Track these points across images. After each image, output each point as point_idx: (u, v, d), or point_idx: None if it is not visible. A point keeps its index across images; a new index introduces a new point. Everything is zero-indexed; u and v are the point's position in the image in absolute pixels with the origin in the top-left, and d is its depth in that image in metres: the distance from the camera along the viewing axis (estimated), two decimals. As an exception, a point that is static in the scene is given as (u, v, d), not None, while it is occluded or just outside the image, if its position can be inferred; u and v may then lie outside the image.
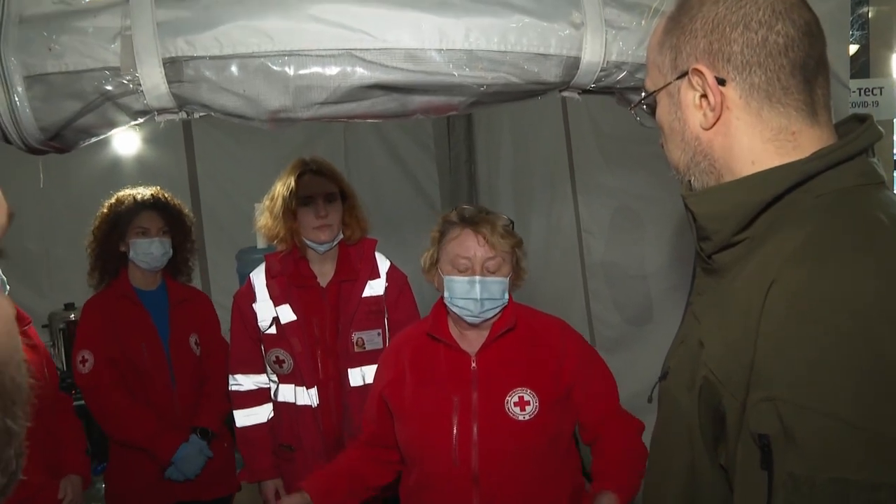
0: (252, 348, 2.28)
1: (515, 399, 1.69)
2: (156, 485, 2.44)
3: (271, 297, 2.23)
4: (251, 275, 2.30)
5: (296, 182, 2.19)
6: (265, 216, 2.25)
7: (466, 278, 1.70)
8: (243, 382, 2.31)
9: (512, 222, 1.79)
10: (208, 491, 2.52)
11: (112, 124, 1.27)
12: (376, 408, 1.86)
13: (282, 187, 2.21)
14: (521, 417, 1.68)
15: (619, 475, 1.69)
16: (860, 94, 2.84)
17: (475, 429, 1.68)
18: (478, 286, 1.70)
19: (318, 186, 2.21)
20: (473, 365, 1.74)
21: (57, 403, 2.28)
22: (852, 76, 2.73)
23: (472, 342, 1.78)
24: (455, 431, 1.69)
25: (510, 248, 1.74)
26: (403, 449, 1.81)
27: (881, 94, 2.81)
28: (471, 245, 1.71)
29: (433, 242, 1.81)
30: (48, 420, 2.17)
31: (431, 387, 1.76)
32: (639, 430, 1.79)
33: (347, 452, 1.94)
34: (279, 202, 2.19)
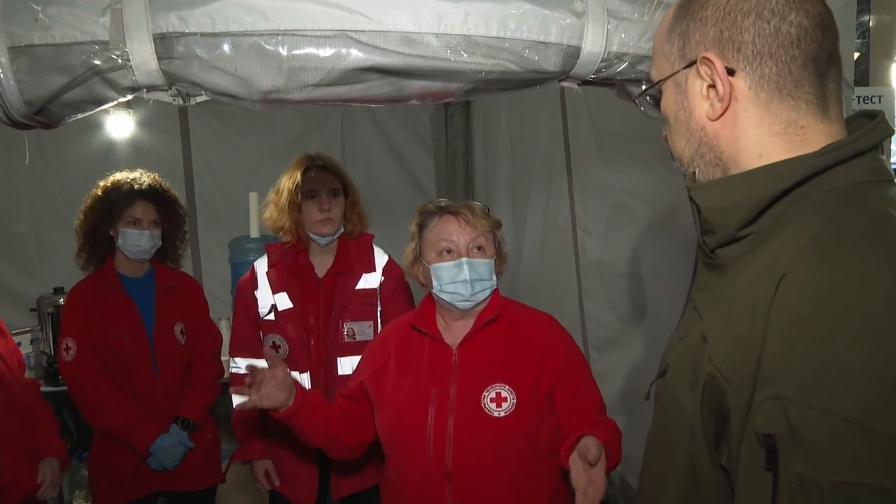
0: (252, 333, 2.35)
1: (492, 395, 1.66)
2: (136, 473, 2.42)
3: (270, 285, 2.30)
4: (255, 263, 2.38)
5: (302, 176, 2.26)
6: (270, 208, 2.32)
7: (453, 262, 1.69)
8: (242, 365, 2.35)
9: (488, 209, 1.78)
10: (189, 482, 2.49)
11: (100, 100, 1.24)
12: (353, 390, 1.85)
13: (288, 181, 2.28)
14: (496, 414, 1.65)
15: (598, 432, 1.57)
16: (859, 102, 2.84)
17: (450, 423, 1.65)
18: (465, 268, 1.68)
19: (323, 181, 2.28)
20: (455, 357, 1.72)
21: (26, 388, 2.26)
22: (852, 84, 2.72)
23: (456, 334, 1.76)
24: (430, 424, 1.66)
25: (490, 229, 1.74)
26: (381, 439, 1.79)
27: (880, 102, 2.81)
28: (453, 229, 1.70)
29: (413, 237, 1.79)
30: (21, 405, 2.15)
31: (412, 378, 1.74)
32: (616, 429, 1.71)
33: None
34: (284, 195, 2.26)
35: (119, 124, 4.31)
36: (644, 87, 1.03)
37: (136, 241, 2.42)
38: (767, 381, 0.73)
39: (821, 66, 0.86)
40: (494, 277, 1.74)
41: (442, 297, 1.73)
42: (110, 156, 4.26)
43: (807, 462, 0.69)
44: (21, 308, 3.78)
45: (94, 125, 4.30)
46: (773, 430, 0.72)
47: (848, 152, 0.83)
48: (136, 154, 4.23)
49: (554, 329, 1.79)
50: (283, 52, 1.20)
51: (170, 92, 1.25)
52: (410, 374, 1.75)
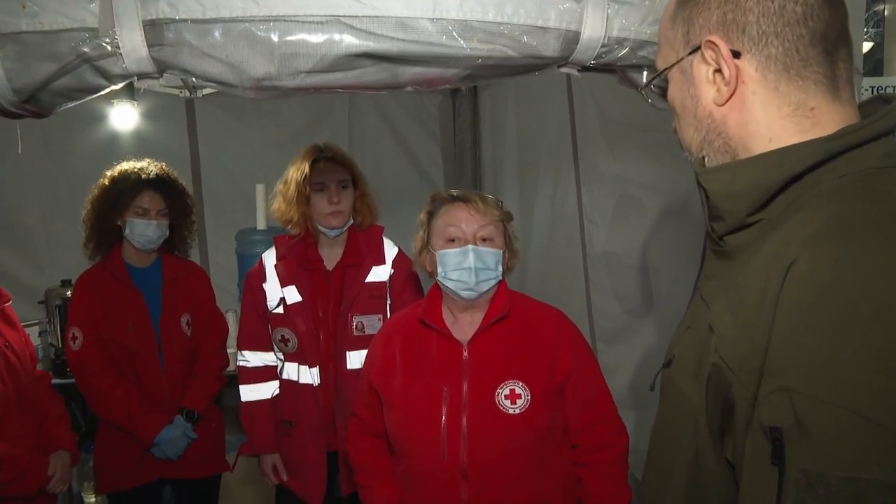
0: (260, 326, 2.33)
1: (506, 392, 1.64)
2: (141, 461, 2.42)
3: (279, 278, 2.27)
4: (263, 255, 2.35)
5: (310, 168, 2.21)
6: (278, 200, 2.28)
7: (459, 249, 1.67)
8: (250, 359, 2.36)
9: (501, 202, 1.76)
10: (194, 470, 2.50)
11: (90, 88, 1.22)
12: (367, 394, 1.82)
13: (296, 172, 2.23)
14: (511, 411, 1.63)
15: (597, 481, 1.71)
16: (873, 92, 2.79)
17: (464, 420, 1.63)
18: (471, 255, 1.66)
19: (332, 173, 2.24)
20: (465, 354, 1.69)
21: (38, 381, 2.25)
22: (866, 74, 2.67)
23: (465, 330, 1.73)
24: (444, 422, 1.64)
25: (500, 219, 1.71)
26: (392, 438, 1.76)
27: (894, 92, 2.76)
28: (462, 216, 1.69)
29: (422, 224, 1.77)
30: (32, 398, 2.15)
31: (421, 375, 1.71)
32: (623, 455, 1.75)
33: (362, 445, 1.88)
34: (292, 187, 2.22)
35: (124, 116, 4.30)
36: (650, 77, 1.00)
37: (144, 231, 2.41)
38: (774, 372, 0.70)
39: (829, 44, 0.82)
40: (500, 269, 1.71)
41: (446, 283, 1.70)
42: (116, 148, 4.24)
43: (813, 457, 0.66)
44: (29, 300, 3.78)
45: (100, 117, 4.29)
46: (779, 423, 0.69)
47: (863, 136, 0.80)
48: (143, 146, 4.20)
49: (563, 324, 1.76)
50: (275, 38, 1.17)
51: (160, 81, 1.23)
52: (419, 371, 1.72)
